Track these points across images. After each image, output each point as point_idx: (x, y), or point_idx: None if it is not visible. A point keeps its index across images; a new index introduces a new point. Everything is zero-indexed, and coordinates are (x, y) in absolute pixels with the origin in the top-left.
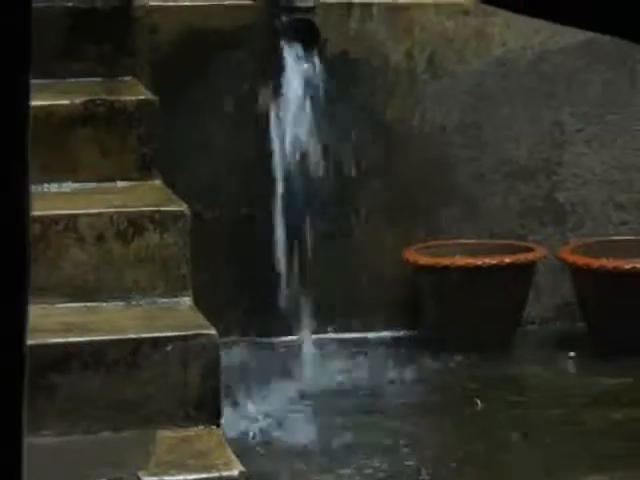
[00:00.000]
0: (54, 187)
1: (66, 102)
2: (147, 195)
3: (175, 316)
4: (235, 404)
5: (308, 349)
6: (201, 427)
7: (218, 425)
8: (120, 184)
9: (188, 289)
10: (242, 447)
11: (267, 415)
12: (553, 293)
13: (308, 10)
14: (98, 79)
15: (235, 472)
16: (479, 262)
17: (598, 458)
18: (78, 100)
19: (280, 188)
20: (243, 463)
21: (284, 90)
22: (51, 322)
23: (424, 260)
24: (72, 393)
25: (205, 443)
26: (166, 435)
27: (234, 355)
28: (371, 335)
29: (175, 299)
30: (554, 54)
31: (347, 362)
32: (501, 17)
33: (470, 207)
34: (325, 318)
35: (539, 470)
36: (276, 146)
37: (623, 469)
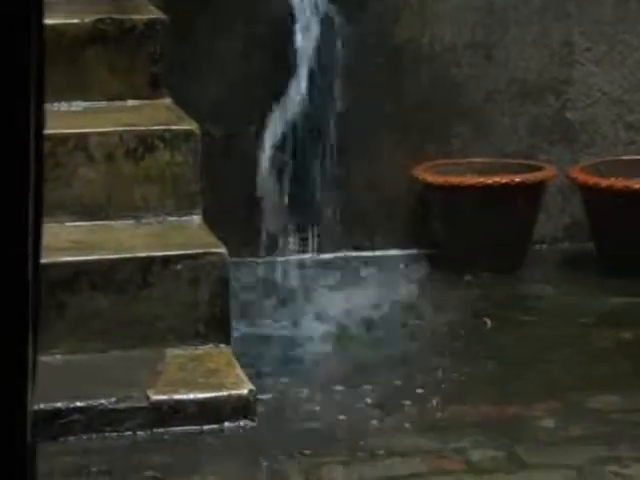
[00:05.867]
0: (64, 106)
1: (76, 21)
2: (157, 114)
3: (185, 234)
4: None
5: (317, 268)
6: (210, 345)
7: (228, 343)
8: (130, 103)
9: (198, 207)
10: None
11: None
12: (563, 212)
13: None
14: None
15: (244, 391)
16: (489, 181)
17: (608, 378)
18: (88, 19)
19: (290, 106)
20: None
21: (294, 9)
22: (61, 240)
23: (434, 179)
24: (82, 312)
25: (215, 362)
26: (176, 354)
27: (243, 274)
28: (380, 254)
29: (185, 217)
30: None
31: (356, 281)
32: None
33: (480, 127)
34: (335, 237)
35: (548, 390)
36: (287, 64)
37: (633, 388)
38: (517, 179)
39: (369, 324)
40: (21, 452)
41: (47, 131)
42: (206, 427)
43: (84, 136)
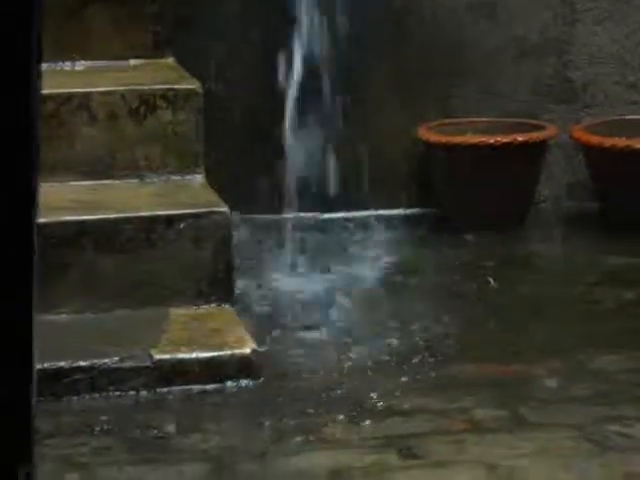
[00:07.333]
0: (67, 65)
1: None
2: (159, 73)
3: (188, 193)
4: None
5: (321, 227)
6: (214, 305)
7: (231, 303)
8: (133, 62)
9: (200, 166)
10: None
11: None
12: (565, 172)
13: None
14: None
15: (247, 350)
16: (491, 140)
17: (610, 337)
18: None
19: (294, 69)
20: None
21: None
22: (64, 200)
23: (437, 138)
24: (85, 271)
25: (218, 321)
26: (179, 313)
27: (245, 232)
28: (383, 213)
29: (188, 176)
30: None
31: (360, 240)
32: None
33: (482, 87)
34: (338, 196)
35: (551, 349)
36: (288, 23)
37: (635, 348)
38: (519, 138)
39: (371, 284)
40: (26, 412)
41: (50, 90)
42: (209, 386)
43: (87, 95)
